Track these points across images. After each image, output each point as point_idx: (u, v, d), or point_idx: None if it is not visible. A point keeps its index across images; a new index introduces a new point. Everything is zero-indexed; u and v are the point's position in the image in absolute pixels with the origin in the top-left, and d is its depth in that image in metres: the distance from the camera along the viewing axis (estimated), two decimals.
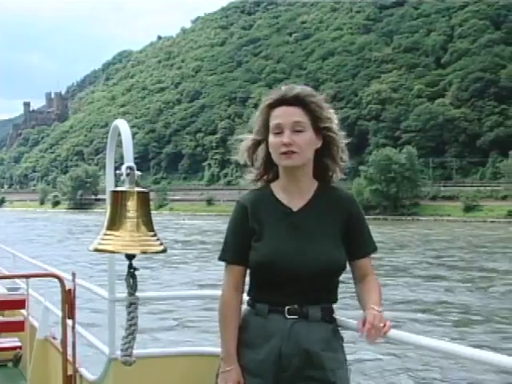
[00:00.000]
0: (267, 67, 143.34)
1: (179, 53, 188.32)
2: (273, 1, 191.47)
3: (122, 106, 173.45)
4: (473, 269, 27.42)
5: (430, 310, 17.08)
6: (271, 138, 2.20)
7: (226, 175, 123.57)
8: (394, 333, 2.07)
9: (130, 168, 2.30)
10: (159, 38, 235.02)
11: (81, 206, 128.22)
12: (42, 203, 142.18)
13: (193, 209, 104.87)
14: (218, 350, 2.38)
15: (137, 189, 2.27)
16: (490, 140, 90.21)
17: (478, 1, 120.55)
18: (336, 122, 2.22)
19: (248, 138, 2.29)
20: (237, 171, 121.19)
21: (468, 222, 70.62)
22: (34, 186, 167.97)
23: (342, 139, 2.25)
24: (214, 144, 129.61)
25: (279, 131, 2.17)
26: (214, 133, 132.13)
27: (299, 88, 2.19)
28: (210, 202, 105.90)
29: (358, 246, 2.23)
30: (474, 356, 1.79)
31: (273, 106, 2.20)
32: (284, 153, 2.16)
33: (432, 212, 78.35)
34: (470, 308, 17.51)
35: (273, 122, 2.19)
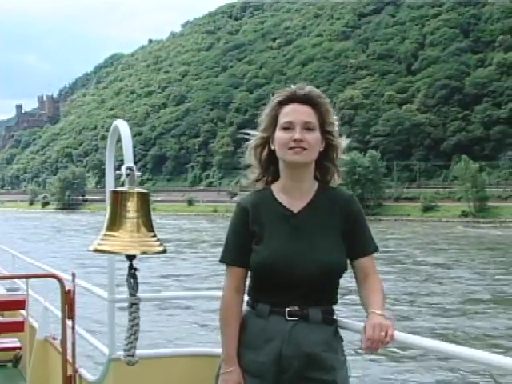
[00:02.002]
0: (249, 72, 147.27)
1: (167, 57, 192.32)
2: (259, 6, 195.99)
3: (111, 109, 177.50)
4: (410, 262, 30.86)
5: (342, 295, 21.19)
6: (279, 134, 2.19)
7: (207, 177, 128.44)
8: (396, 335, 2.05)
9: (130, 168, 2.31)
10: (150, 41, 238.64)
11: (69, 206, 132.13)
12: (31, 204, 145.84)
13: (174, 209, 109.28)
14: (217, 350, 2.39)
15: (137, 189, 2.26)
16: (453, 144, 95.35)
17: (451, 10, 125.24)
18: (337, 128, 2.26)
19: (256, 136, 2.29)
20: (219, 173, 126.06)
21: (425, 221, 75.70)
22: (25, 186, 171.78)
23: (341, 146, 2.29)
24: (196, 147, 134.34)
25: (290, 127, 2.17)
26: (196, 136, 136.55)
27: (309, 87, 2.22)
28: (190, 202, 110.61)
29: (359, 245, 2.21)
30: (475, 357, 1.75)
31: (283, 103, 2.21)
32: (292, 148, 2.15)
33: (394, 212, 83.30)
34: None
35: (283, 119, 2.19)
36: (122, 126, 2.63)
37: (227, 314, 2.25)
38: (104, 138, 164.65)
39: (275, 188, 2.26)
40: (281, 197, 2.24)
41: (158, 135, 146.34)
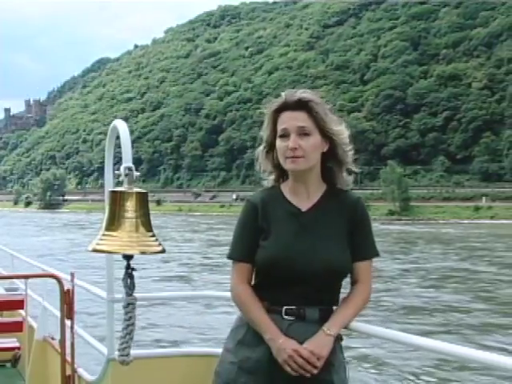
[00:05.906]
0: (221, 80, 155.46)
1: (147, 63, 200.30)
2: (237, 15, 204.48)
3: (93, 113, 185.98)
4: None
5: None
6: (278, 142, 2.23)
7: (178, 178, 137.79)
8: (392, 333, 2.06)
9: (129, 168, 2.31)
10: (136, 46, 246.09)
11: (49, 206, 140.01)
12: (15, 203, 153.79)
13: None
14: (216, 350, 2.40)
15: (135, 189, 2.27)
16: (393, 149, 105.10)
17: (405, 23, 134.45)
18: (340, 126, 2.26)
19: (260, 149, 2.34)
20: (188, 175, 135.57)
21: None
22: (12, 187, 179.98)
23: (342, 140, 2.25)
24: (169, 150, 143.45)
25: (285, 135, 2.19)
26: (169, 140, 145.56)
27: (300, 92, 2.24)
28: (158, 202, 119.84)
29: (359, 249, 2.21)
30: (473, 356, 1.74)
31: (278, 111, 2.24)
32: (289, 157, 2.18)
33: None
34: None
35: (280, 127, 2.22)
36: (121, 126, 2.60)
37: (245, 300, 2.22)
38: (85, 141, 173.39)
39: (284, 187, 2.29)
40: (289, 196, 2.26)
41: (135, 139, 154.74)
